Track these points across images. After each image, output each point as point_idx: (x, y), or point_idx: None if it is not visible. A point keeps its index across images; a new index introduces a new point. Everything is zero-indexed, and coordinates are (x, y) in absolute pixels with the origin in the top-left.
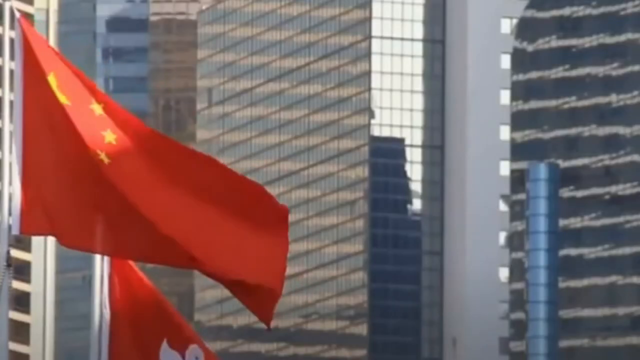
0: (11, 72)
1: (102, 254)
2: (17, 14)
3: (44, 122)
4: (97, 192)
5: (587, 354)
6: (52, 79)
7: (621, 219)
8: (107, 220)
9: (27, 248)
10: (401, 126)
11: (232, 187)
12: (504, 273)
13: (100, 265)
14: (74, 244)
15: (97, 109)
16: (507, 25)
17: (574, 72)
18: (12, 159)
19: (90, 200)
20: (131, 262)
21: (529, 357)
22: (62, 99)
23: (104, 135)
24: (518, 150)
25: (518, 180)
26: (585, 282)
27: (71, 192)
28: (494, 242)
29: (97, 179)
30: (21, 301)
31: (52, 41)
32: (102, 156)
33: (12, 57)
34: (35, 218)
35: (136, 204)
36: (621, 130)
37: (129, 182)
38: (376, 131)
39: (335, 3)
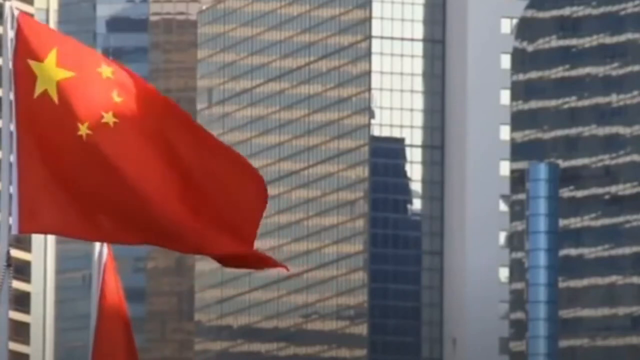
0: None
1: (103, 240)
2: (16, 13)
3: (40, 120)
4: (96, 180)
5: (587, 354)
6: (52, 56)
7: (621, 219)
8: (107, 206)
9: (27, 248)
10: (401, 126)
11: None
12: (504, 273)
13: (100, 265)
14: (76, 234)
15: (106, 71)
16: (507, 25)
17: (574, 72)
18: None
19: (90, 188)
20: (114, 268)
21: (529, 357)
22: (63, 74)
23: (112, 96)
24: (518, 150)
25: (518, 180)
26: (585, 282)
27: (70, 182)
28: (494, 242)
29: (96, 165)
30: (21, 301)
31: None
32: (108, 117)
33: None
34: (35, 216)
35: (136, 177)
36: (621, 130)
37: (134, 144)
38: (376, 131)
39: (335, 3)
